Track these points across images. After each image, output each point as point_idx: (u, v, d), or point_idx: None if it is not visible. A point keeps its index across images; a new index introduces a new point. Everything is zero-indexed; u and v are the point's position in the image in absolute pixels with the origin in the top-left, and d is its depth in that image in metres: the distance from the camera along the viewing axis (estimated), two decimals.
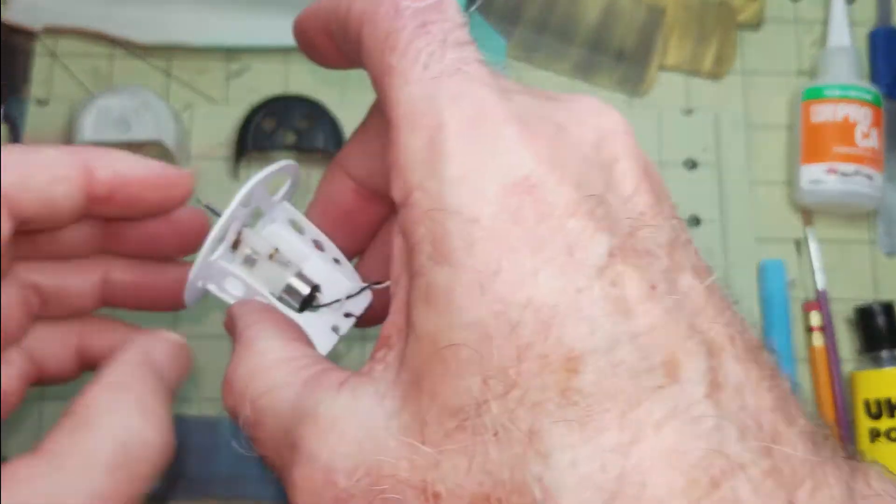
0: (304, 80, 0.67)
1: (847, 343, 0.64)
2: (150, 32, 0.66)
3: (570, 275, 0.22)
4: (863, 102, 0.65)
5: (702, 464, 0.21)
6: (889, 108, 0.68)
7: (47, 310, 0.36)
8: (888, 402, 0.60)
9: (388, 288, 0.29)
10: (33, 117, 0.65)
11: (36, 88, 0.66)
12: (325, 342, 0.34)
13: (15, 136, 0.64)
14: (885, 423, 0.60)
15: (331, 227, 0.36)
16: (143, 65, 0.67)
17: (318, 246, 0.36)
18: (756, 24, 0.71)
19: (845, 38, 0.68)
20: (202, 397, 0.60)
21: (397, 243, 0.26)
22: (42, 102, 0.66)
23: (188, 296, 0.35)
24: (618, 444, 0.21)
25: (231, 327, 0.32)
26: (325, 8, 0.34)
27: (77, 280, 0.36)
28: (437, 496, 0.22)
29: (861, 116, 0.64)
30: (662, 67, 0.69)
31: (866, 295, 0.65)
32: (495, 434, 0.21)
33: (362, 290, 0.35)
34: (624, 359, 0.22)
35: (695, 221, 0.66)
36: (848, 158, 0.64)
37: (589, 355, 0.21)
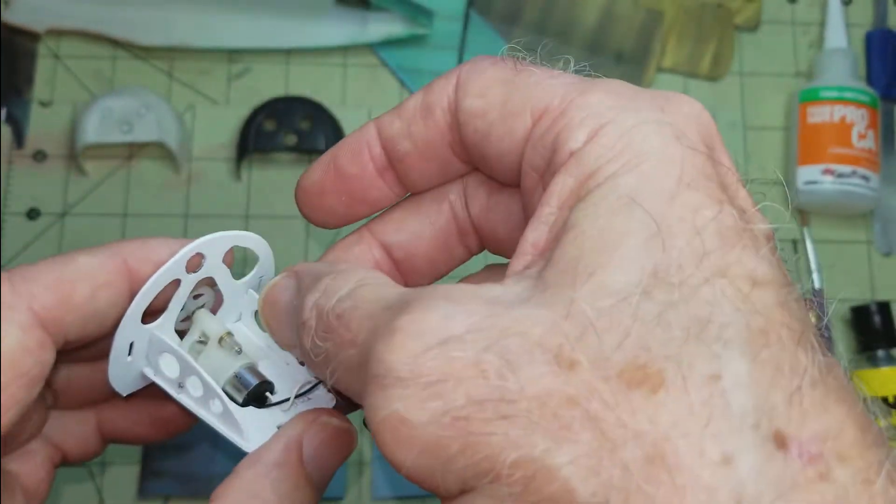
0: (305, 81, 0.68)
1: (843, 343, 0.64)
2: (152, 34, 0.67)
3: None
4: (859, 104, 0.65)
5: None
6: (885, 110, 0.69)
7: (61, 402, 0.35)
8: (884, 401, 0.60)
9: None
10: (36, 119, 0.66)
11: (39, 90, 0.66)
12: (265, 437, 0.31)
13: (18, 138, 0.65)
14: (880, 423, 0.60)
15: None
16: (146, 66, 0.68)
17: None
18: (753, 25, 0.71)
19: (842, 39, 0.68)
20: None
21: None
22: (45, 104, 0.66)
23: (113, 372, 0.32)
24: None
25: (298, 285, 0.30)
26: (361, 128, 0.32)
27: (89, 372, 0.35)
28: (573, 363, 0.21)
29: (857, 118, 0.65)
30: (661, 69, 0.70)
31: (862, 295, 0.66)
32: (658, 317, 0.21)
33: (313, 386, 0.32)
34: None
35: None
36: (844, 160, 0.64)
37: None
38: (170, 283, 0.31)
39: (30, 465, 0.35)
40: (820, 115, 0.66)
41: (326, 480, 0.31)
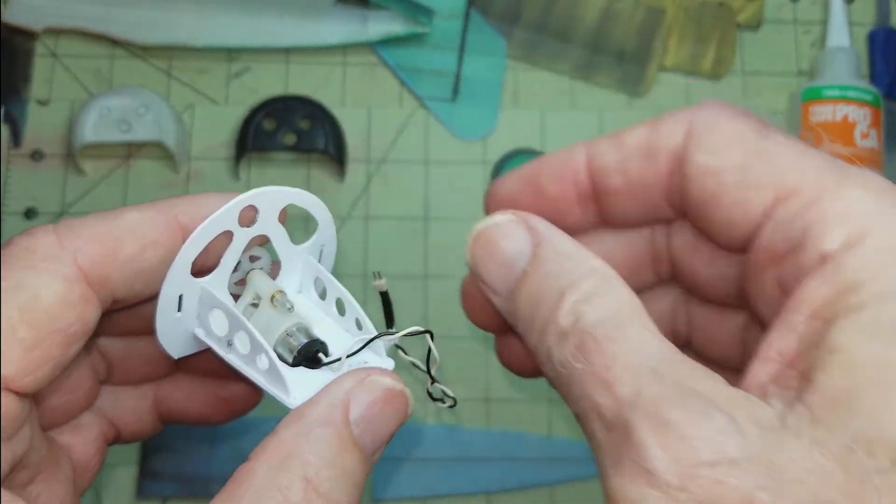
0: (305, 80, 0.67)
1: None
2: (150, 33, 0.67)
3: None
4: (862, 103, 0.65)
5: None
6: (888, 109, 0.68)
7: (116, 375, 0.34)
8: None
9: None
10: (34, 117, 0.65)
11: (37, 89, 0.66)
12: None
13: (15, 137, 0.65)
14: None
15: None
16: (144, 65, 0.67)
17: (341, 308, 0.32)
18: (755, 24, 0.71)
19: (844, 38, 0.68)
20: None
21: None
22: (43, 103, 0.66)
23: (161, 328, 0.30)
24: None
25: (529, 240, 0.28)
26: (571, 150, 0.31)
27: (145, 346, 0.34)
28: None
29: (860, 117, 0.65)
30: (662, 68, 0.70)
31: None
32: None
33: (363, 346, 0.30)
34: None
35: None
36: (847, 159, 0.64)
37: None
38: (221, 235, 0.29)
39: (81, 439, 0.33)
40: (822, 114, 0.65)
41: (378, 448, 0.29)
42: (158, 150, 0.64)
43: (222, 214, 0.29)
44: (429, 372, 0.31)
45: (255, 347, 0.29)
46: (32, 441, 0.29)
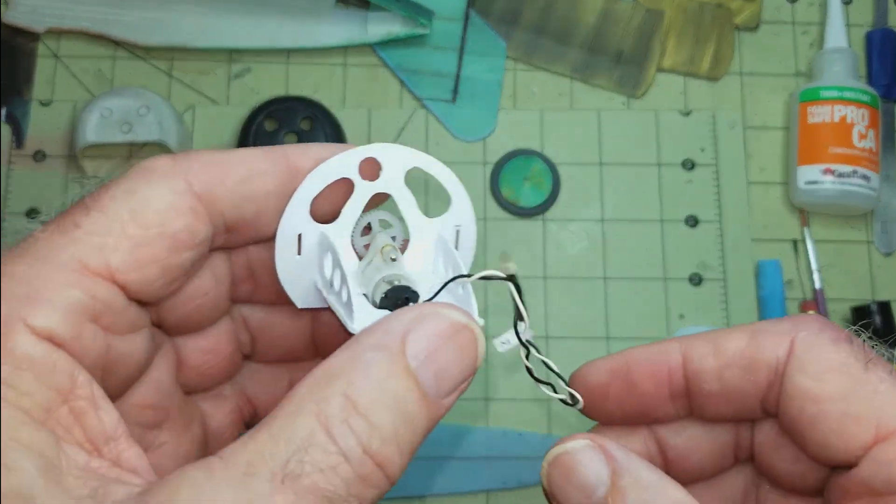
0: (305, 81, 0.68)
1: None
2: (152, 34, 0.67)
3: None
4: (859, 104, 0.65)
5: None
6: (886, 109, 0.69)
7: (258, 349, 0.35)
8: None
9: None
10: (36, 118, 0.66)
11: (39, 89, 0.66)
12: None
13: (18, 138, 0.65)
14: None
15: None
16: (146, 66, 0.68)
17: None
18: (753, 25, 0.71)
19: (842, 39, 0.68)
20: None
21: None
22: (45, 103, 0.66)
23: (280, 266, 0.30)
24: None
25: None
26: (666, 349, 0.31)
27: (286, 320, 0.34)
28: None
29: (858, 117, 0.65)
30: (660, 69, 0.70)
31: (863, 295, 0.66)
32: None
33: (440, 289, 0.29)
34: None
35: (693, 221, 0.66)
36: (845, 159, 0.64)
37: None
38: (341, 181, 0.29)
39: (218, 408, 0.34)
40: (820, 114, 0.65)
41: (445, 391, 0.26)
42: (160, 151, 0.64)
43: (342, 159, 0.29)
44: (515, 324, 0.30)
45: (342, 280, 0.29)
46: (160, 381, 0.31)
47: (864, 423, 0.27)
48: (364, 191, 0.30)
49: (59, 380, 0.25)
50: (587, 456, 0.28)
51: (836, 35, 0.69)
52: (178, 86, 0.67)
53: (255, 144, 0.64)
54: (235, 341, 0.34)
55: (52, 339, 0.25)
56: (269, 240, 0.31)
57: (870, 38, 0.71)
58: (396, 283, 0.29)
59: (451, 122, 0.67)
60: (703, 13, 0.71)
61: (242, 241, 0.31)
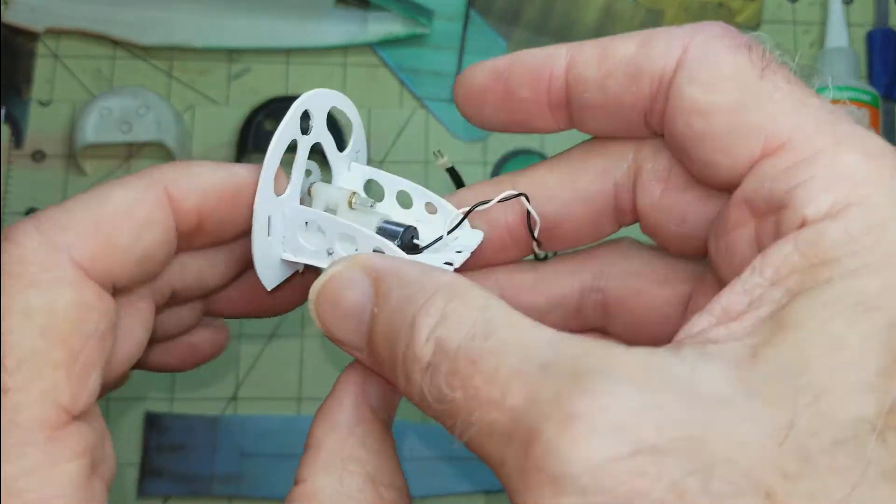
0: (305, 81, 0.67)
1: None
2: (151, 34, 0.67)
3: None
4: (860, 103, 0.65)
5: None
6: (886, 109, 0.68)
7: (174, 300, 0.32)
8: None
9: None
10: (35, 118, 0.65)
11: (38, 89, 0.66)
12: None
13: (17, 137, 0.65)
14: None
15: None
16: (145, 66, 0.67)
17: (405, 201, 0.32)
18: (754, 25, 0.71)
19: (843, 39, 0.68)
20: (204, 397, 0.60)
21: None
22: (44, 103, 0.66)
23: (258, 256, 0.29)
24: None
25: (374, 277, 0.26)
26: (552, 53, 0.28)
27: (180, 314, 0.33)
28: None
29: (859, 117, 0.65)
30: None
31: None
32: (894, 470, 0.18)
33: (463, 217, 0.30)
34: None
35: None
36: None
37: None
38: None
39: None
40: None
41: (393, 415, 0.28)
42: (159, 151, 0.64)
43: (289, 122, 0.29)
44: (532, 234, 0.31)
45: (365, 242, 0.28)
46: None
47: (753, 136, 0.24)
48: (304, 147, 0.30)
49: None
50: (349, 276, 0.26)
51: (837, 35, 0.68)
52: (178, 85, 0.67)
53: (255, 144, 0.64)
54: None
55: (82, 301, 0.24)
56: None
57: (871, 38, 0.71)
58: (395, 226, 0.30)
59: (451, 122, 0.67)
60: (703, 12, 0.71)
61: (144, 284, 0.29)
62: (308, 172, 0.31)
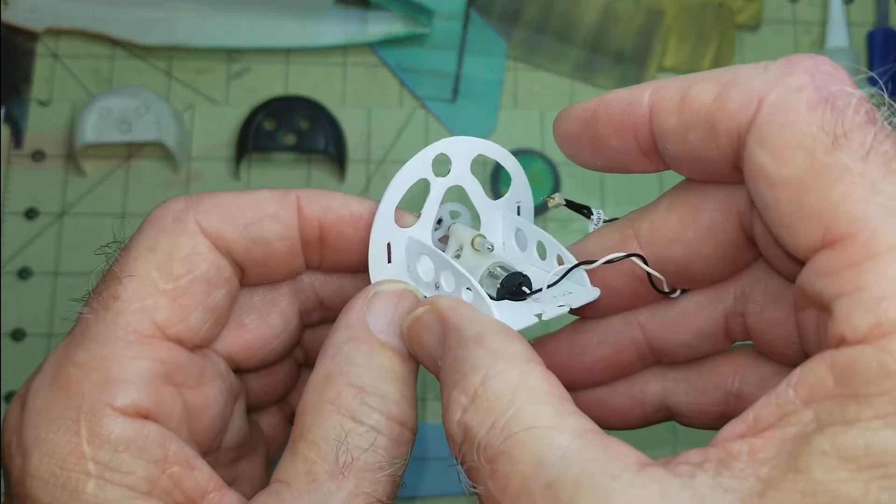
0: (305, 81, 0.67)
1: None
2: (151, 33, 0.67)
3: None
4: None
5: None
6: None
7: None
8: None
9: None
10: (35, 118, 0.65)
11: (37, 89, 0.66)
12: (521, 321, 0.29)
13: (16, 137, 0.65)
14: None
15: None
16: (145, 66, 0.67)
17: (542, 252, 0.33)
18: (754, 25, 0.71)
19: (843, 38, 0.68)
20: None
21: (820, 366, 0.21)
22: (44, 103, 0.66)
23: (375, 278, 0.31)
24: None
25: (440, 320, 0.28)
26: (634, 99, 0.28)
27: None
28: None
29: None
30: (661, 68, 0.70)
31: None
32: None
33: (565, 273, 0.30)
34: None
35: None
36: None
37: None
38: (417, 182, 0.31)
39: (272, 417, 0.38)
40: None
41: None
42: (159, 151, 0.64)
43: (417, 160, 0.31)
44: (657, 289, 0.31)
45: (460, 281, 0.30)
46: (239, 423, 0.33)
47: (814, 222, 0.22)
48: (438, 187, 0.32)
49: (154, 451, 0.27)
50: (426, 324, 0.29)
51: (837, 34, 0.68)
52: (178, 85, 0.67)
53: (254, 144, 0.64)
54: (294, 362, 0.37)
55: (138, 414, 0.28)
56: (287, 279, 0.33)
57: (871, 38, 0.70)
58: (502, 270, 0.31)
59: (451, 121, 0.67)
60: (704, 12, 0.71)
61: (257, 280, 0.33)
62: (456, 214, 0.33)
